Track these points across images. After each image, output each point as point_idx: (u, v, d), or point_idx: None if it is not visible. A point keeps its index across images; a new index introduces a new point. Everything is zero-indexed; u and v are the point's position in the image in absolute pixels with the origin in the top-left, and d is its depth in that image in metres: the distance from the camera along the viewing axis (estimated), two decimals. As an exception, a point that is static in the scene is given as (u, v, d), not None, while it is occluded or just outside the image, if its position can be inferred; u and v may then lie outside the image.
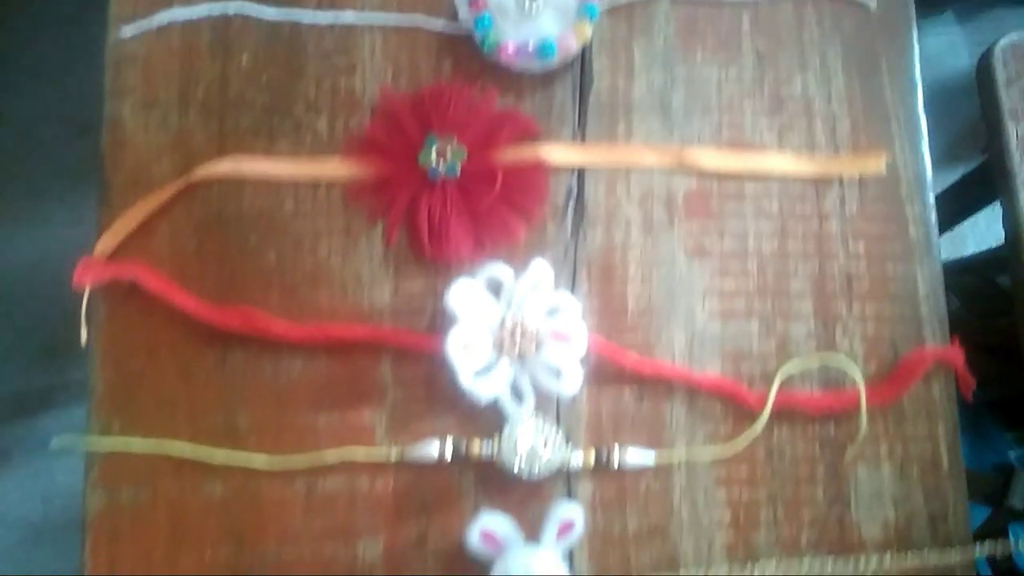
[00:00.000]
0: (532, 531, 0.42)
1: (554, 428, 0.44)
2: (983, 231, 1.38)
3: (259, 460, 0.43)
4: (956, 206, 0.95)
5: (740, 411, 0.46)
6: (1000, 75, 0.59)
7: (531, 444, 0.43)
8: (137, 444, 0.43)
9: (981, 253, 1.02)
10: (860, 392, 0.46)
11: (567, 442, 0.44)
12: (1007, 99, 0.58)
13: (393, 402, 0.45)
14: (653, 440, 0.45)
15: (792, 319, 0.48)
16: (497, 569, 0.41)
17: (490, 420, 0.44)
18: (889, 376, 0.47)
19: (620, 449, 0.44)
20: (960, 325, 0.85)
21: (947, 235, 1.46)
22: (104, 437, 0.43)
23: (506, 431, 0.44)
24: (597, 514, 0.45)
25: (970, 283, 1.03)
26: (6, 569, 1.16)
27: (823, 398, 0.46)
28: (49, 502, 1.19)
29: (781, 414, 0.46)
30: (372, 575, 0.43)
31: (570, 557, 0.43)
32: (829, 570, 0.45)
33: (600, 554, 0.44)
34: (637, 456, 0.45)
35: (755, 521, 0.45)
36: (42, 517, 1.19)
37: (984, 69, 0.60)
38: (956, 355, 0.48)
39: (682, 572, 0.44)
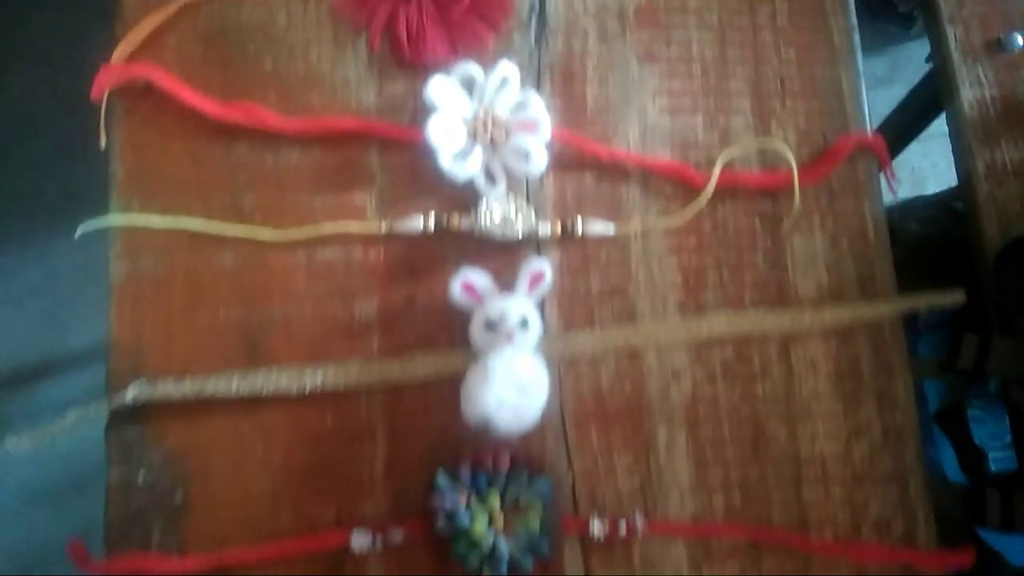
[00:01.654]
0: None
1: (525, 202, 0.50)
2: (943, 172, 1.46)
3: (264, 233, 0.49)
4: (908, 118, 1.02)
5: (688, 191, 0.52)
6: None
7: (504, 213, 0.49)
8: (155, 220, 0.48)
9: (942, 191, 1.08)
10: (793, 170, 0.52)
11: (536, 216, 0.50)
12: (945, 5, 0.62)
13: (381, 185, 0.50)
14: (612, 216, 0.51)
15: (732, 114, 0.54)
16: (476, 316, 0.47)
17: (468, 200, 0.50)
18: (819, 159, 0.53)
19: (583, 220, 0.50)
20: (918, 243, 0.90)
21: (909, 177, 1.53)
22: (126, 213, 0.48)
23: (482, 204, 0.49)
24: (564, 277, 0.51)
25: (930, 210, 1.10)
26: (6, 531, 1.20)
27: (761, 176, 0.53)
28: (48, 466, 1.22)
29: (724, 192, 0.52)
30: (368, 330, 0.49)
31: (541, 311, 0.49)
32: (772, 321, 0.51)
33: (567, 310, 0.50)
34: (598, 226, 0.51)
35: (703, 283, 0.51)
36: (41, 481, 1.22)
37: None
38: (878, 142, 0.54)
39: (640, 325, 0.50)
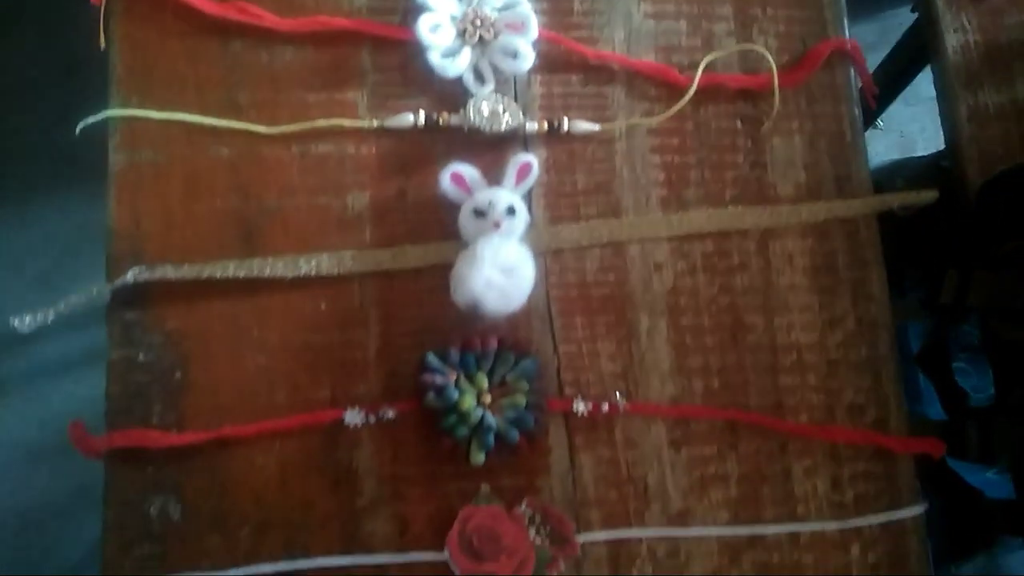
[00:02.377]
0: (496, 187, 0.49)
1: (512, 101, 0.52)
2: (932, 136, 1.47)
3: (259, 127, 0.50)
4: (895, 69, 1.03)
5: (671, 92, 0.53)
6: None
7: (492, 109, 0.51)
8: (154, 113, 0.50)
9: (930, 153, 1.09)
10: (773, 73, 0.53)
11: (523, 114, 0.52)
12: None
13: (373, 83, 0.52)
14: (597, 117, 0.53)
15: (715, 20, 0.55)
16: (465, 206, 0.49)
17: (457, 98, 0.51)
18: (798, 63, 0.55)
19: (569, 119, 0.52)
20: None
21: (898, 140, 1.55)
22: (125, 108, 0.50)
23: (471, 101, 0.51)
24: (551, 174, 0.52)
25: (917, 169, 1.11)
26: (4, 489, 1.21)
27: (742, 79, 0.54)
28: (45, 426, 1.23)
29: (706, 94, 0.54)
30: (360, 221, 0.50)
31: (529, 206, 0.51)
32: (751, 216, 0.53)
33: (554, 205, 0.52)
34: (584, 124, 0.52)
35: (686, 181, 0.53)
36: (39, 441, 1.23)
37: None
38: (854, 47, 0.56)
39: (623, 219, 0.52)
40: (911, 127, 1.47)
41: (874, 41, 1.51)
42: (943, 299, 0.75)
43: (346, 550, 0.46)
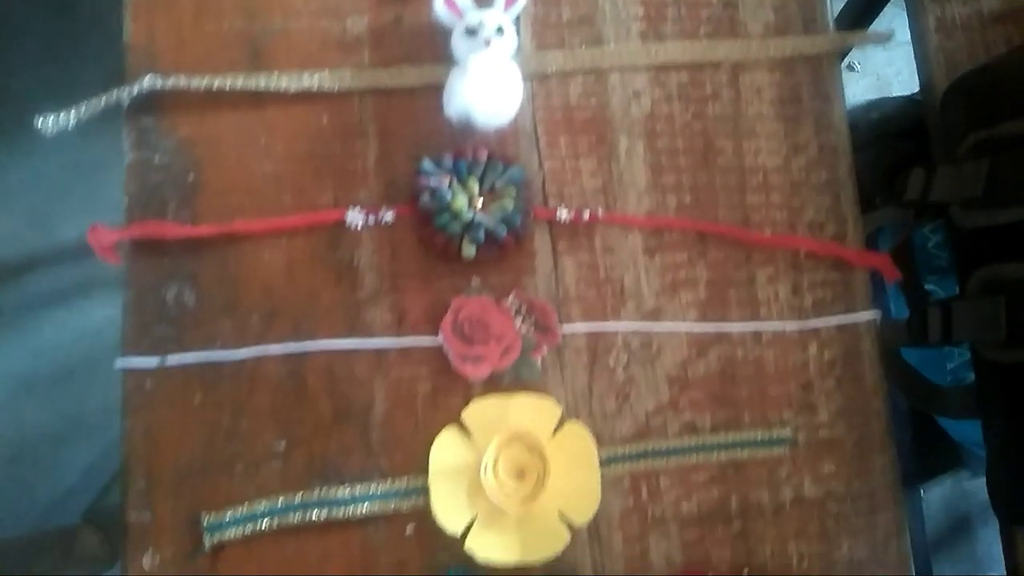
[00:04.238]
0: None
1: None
2: (907, 80, 1.52)
3: (264, -46, 0.54)
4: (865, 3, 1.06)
5: (652, -54, 0.57)
6: None
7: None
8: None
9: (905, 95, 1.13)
10: (745, -77, 0.57)
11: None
12: None
13: (370, -77, 0.55)
14: (581, -43, 0.57)
15: None
16: (457, 27, 0.52)
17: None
18: (769, -87, 0.59)
19: (555, -44, 0.56)
20: (878, 126, 0.95)
21: (874, 83, 1.59)
22: (137, -68, 0.53)
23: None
24: (538, 6, 0.56)
25: (891, 103, 1.15)
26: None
27: (716, -76, 0.58)
28: (39, 356, 1.26)
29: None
30: (359, 44, 0.54)
31: (518, 24, 0.54)
32: (723, 49, 0.57)
33: (540, 34, 0.56)
34: (568, -40, 0.56)
35: (663, 17, 0.57)
36: (33, 371, 1.25)
37: None
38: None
39: (605, 48, 0.56)
40: (887, 70, 1.52)
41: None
42: (909, 195, 0.79)
43: (349, 335, 0.50)
